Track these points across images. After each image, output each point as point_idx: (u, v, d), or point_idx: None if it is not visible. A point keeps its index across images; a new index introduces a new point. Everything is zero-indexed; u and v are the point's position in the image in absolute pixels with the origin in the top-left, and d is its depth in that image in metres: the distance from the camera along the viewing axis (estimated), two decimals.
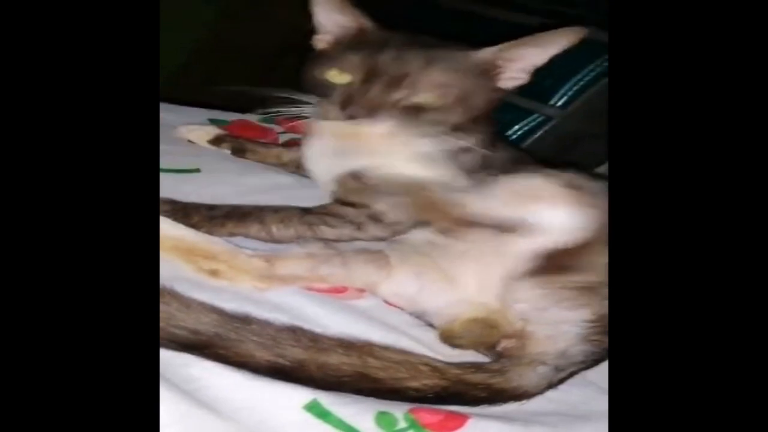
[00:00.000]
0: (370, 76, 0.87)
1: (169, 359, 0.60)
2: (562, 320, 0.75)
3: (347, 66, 0.89)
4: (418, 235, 0.83)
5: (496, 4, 1.49)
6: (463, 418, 0.67)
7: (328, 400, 0.62)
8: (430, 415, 0.66)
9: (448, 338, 0.78)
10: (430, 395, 0.68)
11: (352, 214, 0.87)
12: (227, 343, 0.63)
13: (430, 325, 0.81)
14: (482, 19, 1.50)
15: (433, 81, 0.89)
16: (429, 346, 0.75)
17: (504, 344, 0.78)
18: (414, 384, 0.68)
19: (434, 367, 0.70)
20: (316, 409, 0.62)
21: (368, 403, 0.64)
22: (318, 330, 0.68)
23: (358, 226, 0.86)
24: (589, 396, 0.75)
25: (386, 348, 0.70)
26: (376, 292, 0.82)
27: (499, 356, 0.77)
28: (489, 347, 0.78)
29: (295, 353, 0.65)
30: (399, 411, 0.65)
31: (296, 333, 0.67)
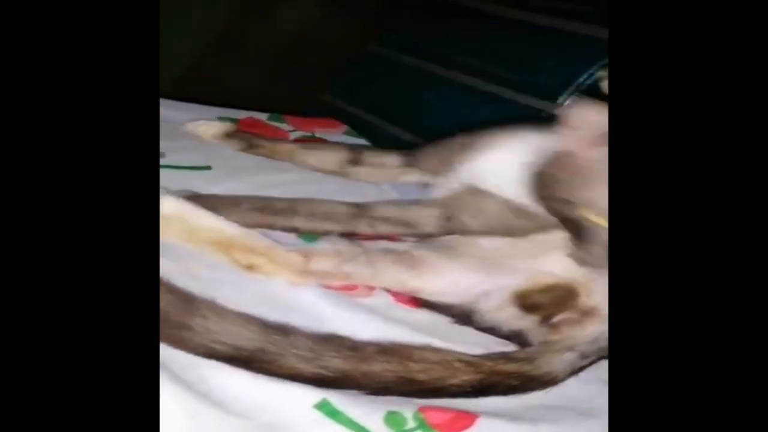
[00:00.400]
0: None
1: (180, 359, 0.61)
2: None
3: None
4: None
5: (499, 1, 1.48)
6: (472, 417, 0.67)
7: (337, 399, 0.63)
8: (439, 414, 0.66)
9: (523, 297, 0.79)
10: (469, 389, 0.69)
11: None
12: (269, 357, 0.63)
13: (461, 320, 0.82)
14: (484, 16, 1.49)
15: None
16: (453, 340, 0.76)
17: (562, 317, 0.78)
18: (454, 381, 0.69)
19: (468, 362, 0.71)
20: (326, 408, 0.62)
21: (378, 403, 0.65)
22: (353, 336, 0.69)
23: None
24: (595, 392, 0.75)
25: (422, 349, 0.71)
26: (410, 289, 0.83)
27: (548, 329, 0.77)
28: (549, 316, 0.78)
29: (337, 364, 0.65)
30: (409, 410, 0.66)
31: (335, 342, 0.67)
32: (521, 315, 0.79)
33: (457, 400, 0.69)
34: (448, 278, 0.82)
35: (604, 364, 0.76)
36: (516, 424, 0.69)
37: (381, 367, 0.66)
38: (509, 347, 0.77)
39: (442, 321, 0.82)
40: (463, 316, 0.81)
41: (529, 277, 0.80)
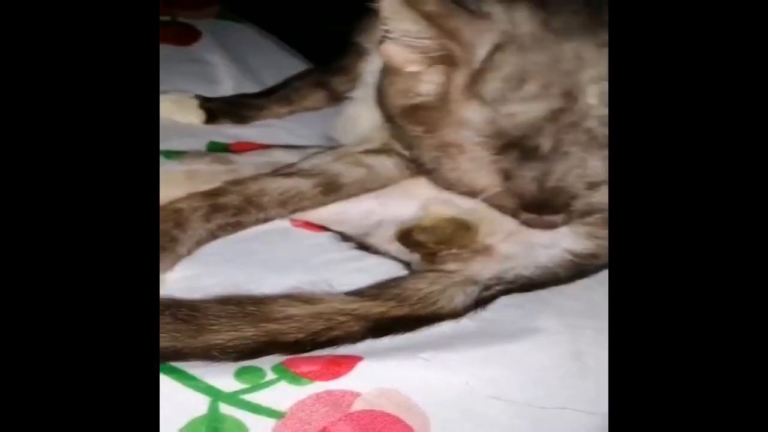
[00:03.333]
0: None
1: None
2: (548, 245, 0.68)
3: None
4: None
5: None
6: (352, 362, 0.58)
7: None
8: (306, 363, 0.57)
9: (409, 234, 0.70)
10: (356, 338, 0.61)
11: None
12: None
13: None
14: None
15: None
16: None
17: (449, 253, 0.68)
18: (336, 333, 0.60)
19: (352, 313, 0.61)
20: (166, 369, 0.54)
21: None
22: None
23: None
24: (505, 317, 0.66)
25: (291, 302, 0.61)
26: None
27: (430, 264, 0.68)
28: (434, 253, 0.69)
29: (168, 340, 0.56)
30: (267, 364, 0.57)
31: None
32: (405, 250, 0.69)
33: (339, 348, 0.60)
34: (334, 205, 0.71)
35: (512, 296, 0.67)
36: (408, 360, 0.59)
37: (229, 336, 0.56)
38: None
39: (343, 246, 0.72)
40: (361, 246, 0.71)
41: (423, 207, 0.70)
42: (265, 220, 0.70)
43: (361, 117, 0.77)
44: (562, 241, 0.67)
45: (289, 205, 0.70)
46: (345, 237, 0.72)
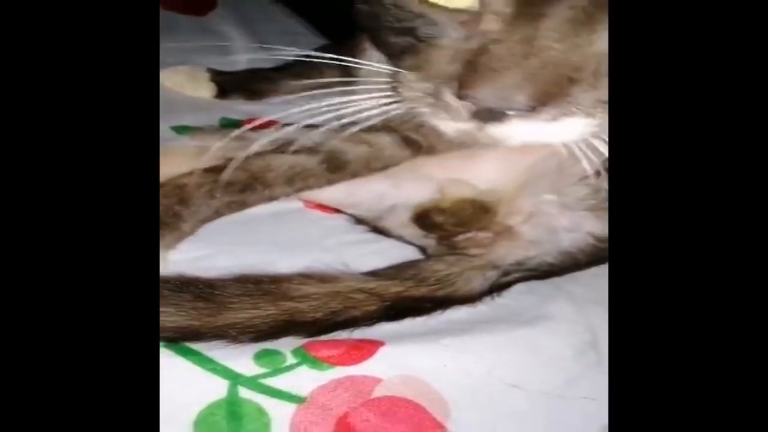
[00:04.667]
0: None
1: None
2: (571, 228, 0.66)
3: None
4: None
5: None
6: (372, 347, 0.57)
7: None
8: (327, 347, 0.56)
9: (426, 215, 0.67)
10: (373, 319, 0.60)
11: None
12: None
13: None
14: None
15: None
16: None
17: (470, 236, 0.67)
18: (354, 314, 0.59)
19: (370, 291, 0.60)
20: (179, 348, 0.53)
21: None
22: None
23: None
24: (524, 304, 0.66)
25: (306, 281, 0.60)
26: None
27: (448, 249, 0.66)
28: (452, 235, 0.67)
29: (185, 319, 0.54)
30: (287, 347, 0.55)
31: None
32: (421, 234, 0.67)
33: (357, 330, 0.59)
34: (343, 186, 0.69)
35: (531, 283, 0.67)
36: (430, 344, 0.59)
37: (249, 315, 0.55)
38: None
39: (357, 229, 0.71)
40: (375, 229, 0.70)
41: (439, 189, 0.67)
42: (271, 199, 0.67)
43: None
44: (585, 224, 0.65)
45: (296, 182, 0.67)
46: (359, 220, 0.71)
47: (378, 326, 0.59)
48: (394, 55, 0.50)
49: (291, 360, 0.55)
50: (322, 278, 0.60)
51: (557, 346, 0.61)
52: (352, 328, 0.58)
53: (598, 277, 0.69)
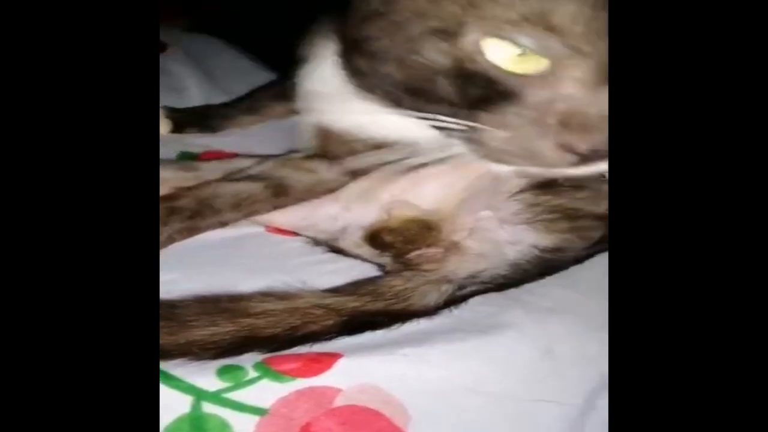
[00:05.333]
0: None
1: None
2: (512, 241, 0.68)
3: (550, 29, 0.50)
4: None
5: None
6: (331, 359, 0.58)
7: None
8: (287, 361, 0.57)
9: (377, 235, 0.71)
10: (332, 334, 0.62)
11: None
12: None
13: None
14: None
15: None
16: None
17: (422, 252, 0.69)
18: (313, 328, 0.61)
19: (327, 306, 0.62)
20: None
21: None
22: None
23: None
24: (483, 314, 0.67)
25: (264, 299, 0.62)
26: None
27: (404, 266, 0.69)
28: (404, 253, 0.70)
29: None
30: (249, 362, 0.57)
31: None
32: (376, 252, 0.71)
33: (316, 345, 0.60)
34: (297, 211, 0.73)
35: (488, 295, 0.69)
36: (388, 356, 0.60)
37: (209, 332, 0.57)
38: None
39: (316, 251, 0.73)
40: (334, 249, 0.73)
41: (386, 210, 0.71)
42: (221, 224, 0.71)
43: (302, 127, 0.79)
44: (526, 237, 0.68)
45: (243, 208, 0.71)
46: (317, 242, 0.73)
47: (337, 340, 0.60)
48: (468, 107, 0.54)
49: (253, 374, 0.56)
50: (280, 296, 0.62)
51: (514, 353, 0.63)
52: (311, 343, 0.60)
53: (553, 286, 0.72)
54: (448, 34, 0.52)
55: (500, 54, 0.52)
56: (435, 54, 0.53)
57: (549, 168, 0.55)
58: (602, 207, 0.68)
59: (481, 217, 0.68)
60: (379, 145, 0.66)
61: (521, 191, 0.67)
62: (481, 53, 0.52)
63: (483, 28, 0.51)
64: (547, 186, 0.67)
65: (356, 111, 0.66)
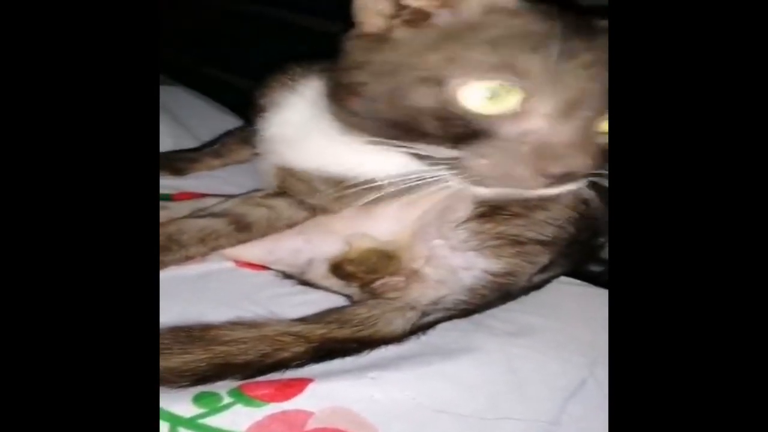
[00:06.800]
0: (579, 98, 0.60)
1: None
2: (466, 266, 0.72)
3: (519, 74, 0.59)
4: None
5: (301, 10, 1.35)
6: (302, 384, 0.60)
7: None
8: (261, 387, 0.59)
9: (340, 266, 0.74)
10: (302, 360, 0.64)
11: None
12: None
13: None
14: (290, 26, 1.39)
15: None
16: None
17: (385, 281, 0.73)
18: (284, 355, 0.63)
19: (297, 334, 0.64)
20: None
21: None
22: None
23: None
24: (448, 340, 0.70)
25: (235, 328, 0.64)
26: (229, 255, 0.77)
27: (370, 295, 0.72)
28: (369, 282, 0.73)
29: None
30: (224, 389, 0.59)
31: None
32: (342, 284, 0.74)
33: (288, 371, 0.63)
34: (262, 245, 0.76)
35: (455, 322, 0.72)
36: (357, 380, 0.63)
37: (183, 360, 0.59)
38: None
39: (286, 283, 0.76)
40: (303, 282, 0.76)
41: (347, 242, 0.75)
42: (187, 258, 0.74)
43: (264, 168, 0.83)
44: (478, 263, 0.72)
45: (208, 242, 0.75)
46: (286, 275, 0.76)
47: (309, 367, 0.63)
48: (450, 140, 0.62)
49: (227, 399, 0.58)
50: (250, 324, 0.64)
51: (478, 374, 0.66)
52: (283, 369, 0.62)
53: (515, 312, 0.75)
54: (434, 81, 0.59)
55: (473, 99, 0.59)
56: (421, 98, 0.60)
57: (526, 189, 0.61)
58: (543, 234, 0.72)
59: (434, 245, 0.72)
60: (337, 181, 0.70)
61: (466, 221, 0.72)
62: (457, 99, 0.59)
63: (463, 75, 0.59)
64: (489, 215, 0.72)
65: (337, 148, 0.71)
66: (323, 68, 0.73)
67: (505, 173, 0.61)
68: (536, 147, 0.59)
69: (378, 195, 0.66)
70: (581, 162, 0.60)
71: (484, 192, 0.64)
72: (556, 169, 0.59)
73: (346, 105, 0.67)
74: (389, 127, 0.64)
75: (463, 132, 0.60)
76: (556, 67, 0.58)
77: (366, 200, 0.68)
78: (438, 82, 0.59)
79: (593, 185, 0.65)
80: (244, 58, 1.30)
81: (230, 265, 0.76)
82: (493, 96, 0.59)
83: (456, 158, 0.62)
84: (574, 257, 0.77)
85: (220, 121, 1.15)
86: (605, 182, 0.65)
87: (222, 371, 0.60)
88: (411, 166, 0.66)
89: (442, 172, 0.63)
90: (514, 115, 0.59)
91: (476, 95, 0.59)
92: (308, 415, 0.58)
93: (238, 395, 0.58)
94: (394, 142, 0.64)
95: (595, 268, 0.92)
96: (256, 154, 0.83)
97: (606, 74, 0.58)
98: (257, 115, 0.81)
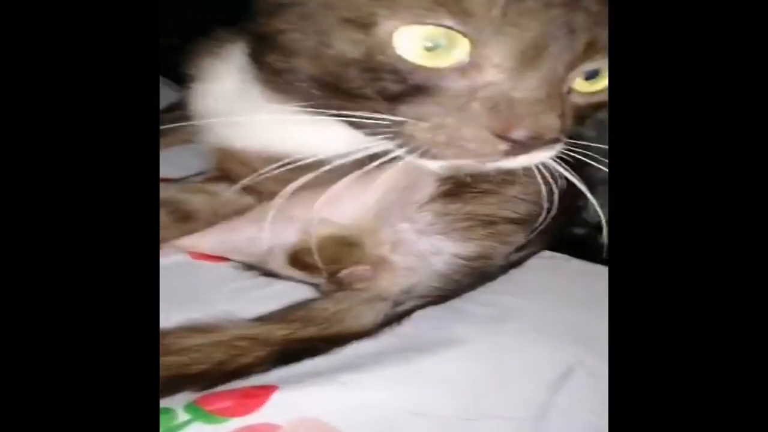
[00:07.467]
0: (541, 43, 0.49)
1: None
2: (435, 251, 0.66)
3: (465, 14, 0.47)
4: None
5: None
6: (266, 392, 0.55)
7: None
8: (219, 399, 0.53)
9: (298, 257, 0.67)
10: (266, 365, 0.58)
11: None
12: None
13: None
14: None
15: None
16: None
17: (351, 271, 0.66)
18: (244, 361, 0.58)
19: (254, 337, 0.59)
20: None
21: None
22: None
23: None
24: (423, 330, 0.65)
25: (186, 334, 0.58)
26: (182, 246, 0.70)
27: (337, 286, 0.66)
28: (333, 273, 0.66)
29: None
30: (179, 404, 0.53)
31: None
32: (305, 273, 0.67)
33: (252, 378, 0.57)
34: (215, 234, 0.69)
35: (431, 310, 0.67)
36: (327, 385, 0.58)
37: None
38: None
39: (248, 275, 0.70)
40: (266, 273, 0.69)
41: (303, 230, 0.66)
42: None
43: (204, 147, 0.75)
44: (446, 247, 0.66)
45: None
46: (247, 266, 0.69)
47: (273, 372, 0.57)
48: (387, 100, 0.51)
49: (183, 417, 0.52)
50: (203, 329, 0.58)
51: (458, 369, 0.61)
52: (246, 377, 0.56)
53: (495, 294, 0.70)
54: (360, 24, 0.48)
55: (409, 48, 0.48)
56: (346, 45, 0.49)
57: (481, 159, 0.52)
58: (516, 211, 0.66)
59: (399, 229, 0.65)
60: (281, 160, 0.58)
61: (430, 201, 0.64)
62: (391, 46, 0.48)
63: (397, 17, 0.47)
64: (454, 194, 0.65)
65: (264, 121, 0.62)
66: (248, 26, 0.61)
67: (453, 139, 0.50)
68: (491, 104, 0.49)
69: (322, 173, 0.57)
70: (549, 123, 0.49)
71: (435, 166, 0.54)
72: (519, 131, 0.49)
73: (266, 63, 0.57)
74: (315, 87, 0.54)
75: (399, 90, 0.50)
76: (514, 3, 0.47)
77: (306, 179, 0.58)
78: (364, 24, 0.48)
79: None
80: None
81: (185, 257, 0.69)
82: (435, 46, 0.48)
83: (394, 122, 0.51)
84: (553, 231, 0.71)
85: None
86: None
87: (175, 384, 0.54)
88: (357, 138, 0.56)
89: (383, 143, 0.53)
90: (460, 69, 0.49)
91: (413, 43, 0.48)
92: (275, 428, 0.54)
93: (196, 411, 0.53)
94: (323, 108, 0.54)
95: (578, 230, 0.88)
96: (195, 133, 0.75)
97: (582, 17, 0.48)
98: (187, 87, 0.70)
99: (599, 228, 1.02)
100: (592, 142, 0.59)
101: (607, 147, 0.44)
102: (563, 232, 0.78)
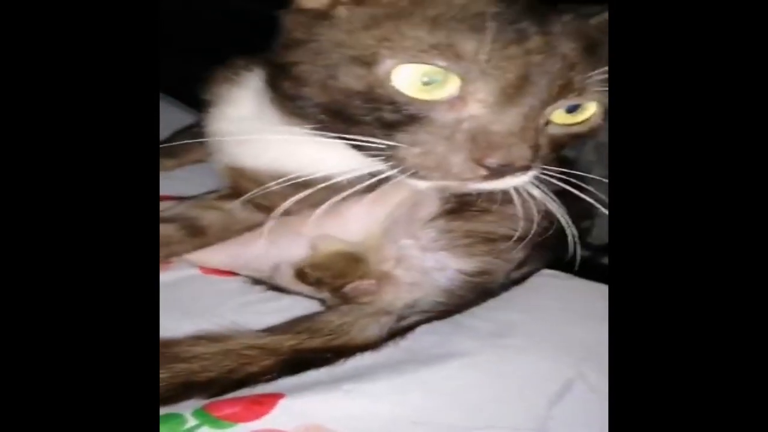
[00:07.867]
0: (520, 84, 0.57)
1: None
2: (438, 267, 0.68)
3: (457, 57, 0.55)
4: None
5: None
6: (272, 400, 0.56)
7: None
8: (228, 405, 0.55)
9: (305, 272, 0.69)
10: (274, 374, 0.60)
11: None
12: None
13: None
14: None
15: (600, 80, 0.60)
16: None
17: (356, 285, 0.68)
18: (252, 370, 0.60)
19: (262, 347, 0.61)
20: None
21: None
22: None
23: None
24: (427, 344, 0.67)
25: (196, 342, 0.61)
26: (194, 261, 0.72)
27: (342, 300, 0.68)
28: (338, 287, 0.68)
29: None
30: (188, 409, 0.55)
31: None
32: (312, 288, 0.70)
33: (258, 386, 0.59)
34: (226, 250, 0.71)
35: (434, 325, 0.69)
36: (332, 393, 0.59)
37: None
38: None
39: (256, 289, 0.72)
40: (274, 287, 0.71)
41: (311, 245, 0.69)
42: None
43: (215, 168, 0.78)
44: (450, 263, 0.68)
45: (161, 250, 0.71)
46: (255, 280, 0.71)
47: (280, 381, 0.59)
48: (384, 127, 0.58)
49: (192, 422, 0.54)
50: (212, 338, 0.60)
51: (459, 380, 0.62)
52: (252, 385, 0.58)
53: (496, 310, 0.71)
54: (364, 62, 0.56)
55: (406, 82, 0.56)
56: (351, 79, 0.57)
57: (463, 182, 0.58)
58: (515, 229, 0.68)
59: (403, 245, 0.68)
60: (292, 180, 0.64)
61: (434, 218, 0.68)
62: (390, 81, 0.56)
63: (397, 57, 0.55)
64: (457, 211, 0.68)
65: (275, 142, 0.67)
66: (267, 56, 0.69)
67: (438, 163, 0.57)
68: (472, 135, 0.56)
69: (326, 190, 0.63)
70: (521, 153, 0.56)
71: (423, 186, 0.61)
72: (493, 159, 0.56)
73: (281, 89, 0.64)
74: (322, 113, 0.61)
75: (395, 119, 0.57)
76: (498, 50, 0.55)
77: (307, 193, 0.63)
78: (367, 62, 0.56)
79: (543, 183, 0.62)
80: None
81: (196, 271, 0.72)
82: (431, 81, 0.56)
83: (389, 147, 0.58)
84: (553, 248, 0.73)
85: (176, 117, 1.08)
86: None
87: (184, 391, 0.56)
88: (358, 159, 0.62)
89: (380, 164, 0.60)
90: (449, 103, 0.56)
91: (410, 79, 0.56)
92: None
93: (204, 416, 0.55)
94: (329, 131, 0.61)
95: (584, 253, 0.89)
96: (209, 153, 0.78)
97: (558, 63, 0.57)
98: (203, 111, 0.77)
99: (604, 250, 1.04)
100: (592, 166, 0.63)
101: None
102: (565, 252, 0.79)
